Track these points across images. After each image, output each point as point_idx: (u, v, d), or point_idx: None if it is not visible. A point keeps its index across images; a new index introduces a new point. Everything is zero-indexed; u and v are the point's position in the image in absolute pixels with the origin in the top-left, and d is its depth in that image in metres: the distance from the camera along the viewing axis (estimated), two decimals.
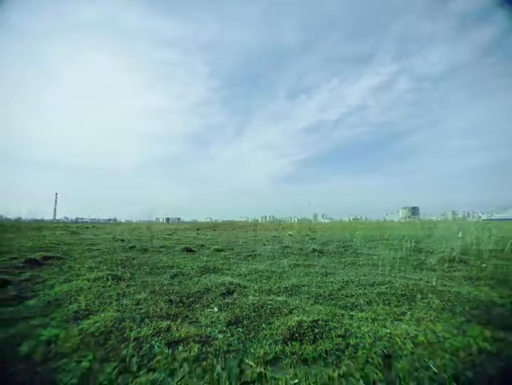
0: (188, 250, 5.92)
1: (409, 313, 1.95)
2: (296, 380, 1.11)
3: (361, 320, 1.76)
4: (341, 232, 11.66)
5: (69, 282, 2.78)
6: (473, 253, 4.98)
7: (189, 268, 3.73)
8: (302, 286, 2.73)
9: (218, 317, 1.93)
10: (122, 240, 8.29)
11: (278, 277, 3.19)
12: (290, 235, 12.05)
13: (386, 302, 2.24)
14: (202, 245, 6.91)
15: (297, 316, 1.78)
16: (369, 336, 1.49)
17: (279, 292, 2.52)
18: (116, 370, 1.14)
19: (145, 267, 3.89)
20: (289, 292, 2.53)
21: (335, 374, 1.17)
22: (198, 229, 18.73)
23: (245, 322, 1.83)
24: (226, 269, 3.70)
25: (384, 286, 2.64)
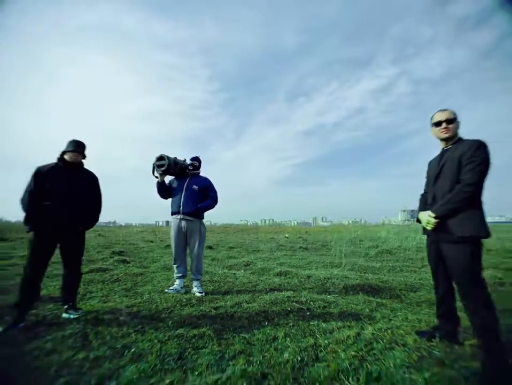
0: (210, 247, 8.41)
1: (331, 270, 4.46)
2: (277, 281, 3.63)
3: (307, 271, 4.27)
4: (329, 234, 14.21)
5: (155, 263, 5.26)
6: (409, 248, 7.51)
7: (218, 256, 6.22)
8: (285, 263, 5.25)
9: (245, 273, 4.43)
10: (151, 242, 10.78)
11: (273, 260, 5.70)
12: (286, 237, 14.58)
13: (323, 267, 4.75)
14: (218, 244, 9.39)
15: (275, 274, 4.29)
16: (306, 274, 4.00)
17: (273, 264, 5.04)
18: (218, 278, 3.67)
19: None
20: (279, 265, 5.04)
21: (289, 282, 3.68)
22: None
23: (257, 273, 4.33)
24: (242, 257, 6.20)
25: (328, 262, 5.16)
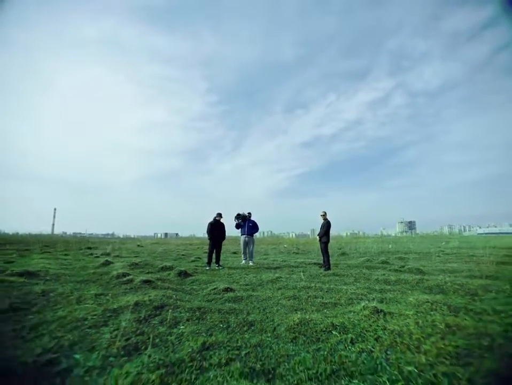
0: (234, 253, 13.53)
1: (307, 260, 9.64)
2: (281, 263, 8.87)
3: (294, 260, 9.46)
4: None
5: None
6: (360, 252, 12.73)
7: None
8: (284, 258, 10.43)
9: (266, 261, 9.59)
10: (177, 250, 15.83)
11: (277, 257, 10.87)
12: (285, 246, 19.77)
13: (303, 260, 9.94)
14: (235, 252, 14.51)
15: (280, 261, 9.46)
16: (293, 260, 9.21)
17: (278, 259, 10.22)
18: (256, 263, 8.88)
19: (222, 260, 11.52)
20: (280, 260, 10.21)
21: (286, 263, 8.88)
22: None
23: (271, 261, 9.51)
24: (260, 256, 11.36)
25: (307, 258, 10.36)
